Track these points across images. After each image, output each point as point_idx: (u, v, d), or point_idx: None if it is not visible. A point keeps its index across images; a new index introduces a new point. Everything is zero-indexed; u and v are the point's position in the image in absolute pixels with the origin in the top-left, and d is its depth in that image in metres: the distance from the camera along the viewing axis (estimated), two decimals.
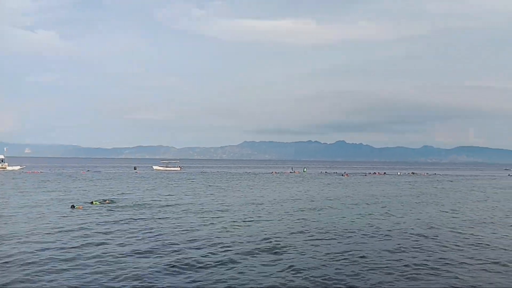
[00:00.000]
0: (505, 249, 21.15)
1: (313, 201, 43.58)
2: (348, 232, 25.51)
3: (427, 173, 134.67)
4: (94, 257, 18.41)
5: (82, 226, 26.19)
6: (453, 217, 32.90)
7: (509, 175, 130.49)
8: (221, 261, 18.18)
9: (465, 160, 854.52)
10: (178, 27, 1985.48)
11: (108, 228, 25.47)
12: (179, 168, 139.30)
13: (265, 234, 24.26)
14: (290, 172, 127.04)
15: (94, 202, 38.44)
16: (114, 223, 27.40)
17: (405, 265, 17.79)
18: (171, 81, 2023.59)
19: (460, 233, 25.80)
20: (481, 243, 22.57)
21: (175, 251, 19.90)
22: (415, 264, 17.94)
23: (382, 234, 24.88)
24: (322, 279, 15.91)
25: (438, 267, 17.63)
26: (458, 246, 21.89)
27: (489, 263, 18.32)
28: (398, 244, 21.98)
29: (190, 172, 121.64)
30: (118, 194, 47.78)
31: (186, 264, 17.54)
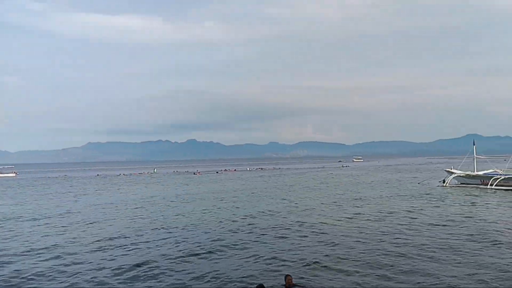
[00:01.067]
0: (338, 235, 23.11)
1: (163, 202, 42.43)
2: (204, 229, 25.27)
3: (273, 168, 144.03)
4: None
5: None
6: (295, 206, 35.05)
7: (342, 166, 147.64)
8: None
9: (306, 154, 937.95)
10: (12, 21, 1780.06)
11: None
12: (14, 174, 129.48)
13: (118, 251, 22.50)
14: (139, 173, 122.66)
15: None
16: None
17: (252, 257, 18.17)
18: (5, 80, 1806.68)
19: (299, 221, 27.58)
20: (320, 230, 24.31)
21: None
22: (262, 255, 18.46)
23: (236, 228, 25.16)
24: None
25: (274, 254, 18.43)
26: (300, 231, 23.51)
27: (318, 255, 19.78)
28: (241, 240, 22.45)
29: (28, 178, 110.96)
30: None
31: None
